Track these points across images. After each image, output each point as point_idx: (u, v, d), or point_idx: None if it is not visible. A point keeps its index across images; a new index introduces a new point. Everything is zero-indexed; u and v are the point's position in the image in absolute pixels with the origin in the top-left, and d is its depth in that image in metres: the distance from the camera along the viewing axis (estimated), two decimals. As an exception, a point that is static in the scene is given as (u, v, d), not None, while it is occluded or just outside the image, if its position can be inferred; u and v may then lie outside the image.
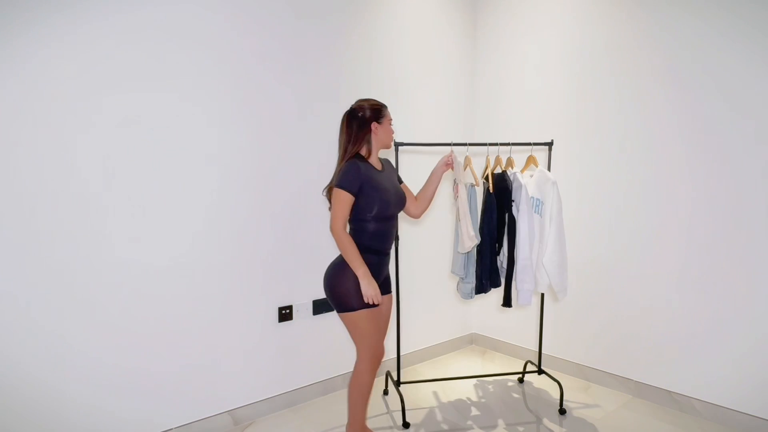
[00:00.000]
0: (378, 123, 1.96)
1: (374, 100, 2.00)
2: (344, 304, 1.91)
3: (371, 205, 1.90)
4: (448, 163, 2.23)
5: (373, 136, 1.96)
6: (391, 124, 2.02)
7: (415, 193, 2.24)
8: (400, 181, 2.18)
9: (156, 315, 2.08)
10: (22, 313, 1.77)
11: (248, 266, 2.33)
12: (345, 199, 1.86)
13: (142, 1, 1.95)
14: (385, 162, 2.11)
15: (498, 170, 2.51)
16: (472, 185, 2.44)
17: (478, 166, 2.83)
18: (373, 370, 1.97)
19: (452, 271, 2.51)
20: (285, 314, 2.48)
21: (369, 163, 1.97)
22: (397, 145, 2.42)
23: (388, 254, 2.04)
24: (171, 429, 2.14)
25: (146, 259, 2.03)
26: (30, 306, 1.78)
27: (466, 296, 2.48)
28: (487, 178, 2.45)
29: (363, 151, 1.97)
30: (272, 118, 2.36)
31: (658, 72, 2.47)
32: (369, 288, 1.87)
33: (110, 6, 1.88)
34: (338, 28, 2.59)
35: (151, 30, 1.98)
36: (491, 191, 2.41)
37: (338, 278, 1.91)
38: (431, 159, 3.09)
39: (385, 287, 2.10)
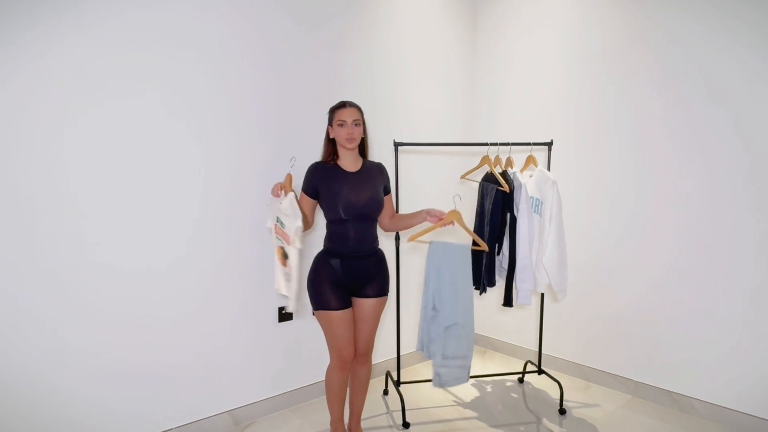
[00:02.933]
0: (330, 126, 1.98)
1: (337, 103, 1.99)
2: (311, 303, 2.00)
3: (324, 207, 1.97)
4: (438, 218, 2.05)
5: (335, 138, 1.97)
6: (341, 125, 1.92)
7: (398, 211, 2.21)
8: (387, 192, 2.08)
9: (156, 316, 2.08)
10: (21, 314, 1.77)
11: (248, 266, 2.33)
12: (302, 199, 1.97)
13: (130, 4, 1.96)
14: (369, 166, 2.04)
15: (498, 170, 2.51)
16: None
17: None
18: (340, 368, 1.99)
19: None
20: (285, 314, 2.48)
21: (338, 165, 1.98)
22: (397, 145, 2.42)
23: (355, 258, 1.95)
24: (171, 429, 2.14)
25: (146, 260, 2.03)
26: (29, 307, 1.78)
27: None
28: (488, 179, 2.45)
29: (338, 154, 1.99)
30: (272, 118, 2.36)
31: (656, 72, 2.47)
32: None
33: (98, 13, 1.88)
34: (338, 30, 2.58)
35: (139, 32, 1.98)
36: (507, 191, 2.39)
37: (308, 279, 2.02)
38: (431, 159, 3.09)
39: (366, 291, 2.01)
